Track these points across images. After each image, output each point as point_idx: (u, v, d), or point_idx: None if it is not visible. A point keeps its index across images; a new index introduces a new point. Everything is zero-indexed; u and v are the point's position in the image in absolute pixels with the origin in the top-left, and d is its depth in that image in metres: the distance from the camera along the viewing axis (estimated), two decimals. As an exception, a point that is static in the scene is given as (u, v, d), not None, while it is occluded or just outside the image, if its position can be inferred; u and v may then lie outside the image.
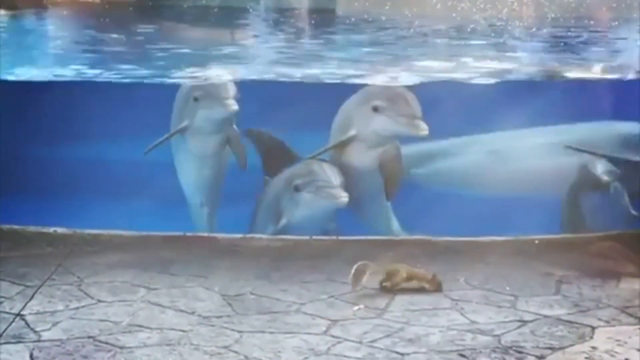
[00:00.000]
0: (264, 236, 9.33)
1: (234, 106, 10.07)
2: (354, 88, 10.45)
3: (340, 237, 9.18)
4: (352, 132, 10.04)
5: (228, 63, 11.55)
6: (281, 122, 10.54)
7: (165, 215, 10.21)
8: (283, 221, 9.87)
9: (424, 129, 9.55)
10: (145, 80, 11.36)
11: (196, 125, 10.44)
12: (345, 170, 9.93)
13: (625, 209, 10.06)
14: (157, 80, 11.46)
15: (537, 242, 8.85)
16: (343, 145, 10.13)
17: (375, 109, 9.83)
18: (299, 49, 12.75)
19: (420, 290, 7.32)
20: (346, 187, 9.65)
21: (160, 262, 8.11)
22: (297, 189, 9.80)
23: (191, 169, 10.87)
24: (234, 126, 10.48)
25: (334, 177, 9.67)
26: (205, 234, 9.42)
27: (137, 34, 12.92)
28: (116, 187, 10.88)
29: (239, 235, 9.08)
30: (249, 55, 12.69)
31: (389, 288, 7.32)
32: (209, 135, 10.49)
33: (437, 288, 7.36)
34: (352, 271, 7.26)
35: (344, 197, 9.51)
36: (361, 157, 10.10)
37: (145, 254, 8.41)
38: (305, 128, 10.53)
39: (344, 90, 10.52)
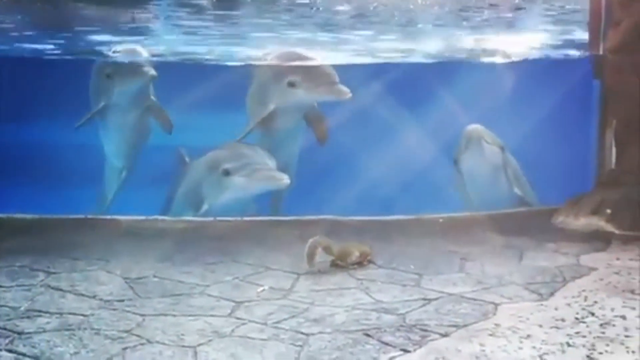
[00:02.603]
0: (167, 218, 9.21)
1: (151, 71, 10.09)
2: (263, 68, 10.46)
3: (245, 218, 9.11)
4: (270, 107, 10.05)
5: (131, 41, 11.39)
6: (188, 103, 10.45)
7: (66, 198, 10.02)
8: (205, 207, 9.70)
9: (346, 92, 9.65)
10: (45, 58, 11.17)
11: (113, 102, 10.41)
12: (272, 137, 10.02)
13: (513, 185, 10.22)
14: (56, 57, 11.26)
15: (441, 220, 8.91)
16: (265, 119, 10.14)
17: (292, 85, 9.85)
18: (202, 29, 12.61)
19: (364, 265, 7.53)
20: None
21: (61, 246, 7.95)
22: (226, 172, 9.63)
23: (113, 139, 10.89)
24: (152, 96, 10.45)
25: (268, 159, 9.59)
26: (108, 217, 9.24)
27: (34, 12, 12.65)
28: (15, 170, 10.64)
29: (142, 217, 8.95)
30: (151, 35, 12.52)
31: (343, 266, 7.44)
32: (127, 108, 10.49)
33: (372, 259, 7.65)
34: (306, 249, 7.34)
35: (285, 179, 9.40)
36: (285, 122, 10.14)
37: (45, 238, 8.24)
38: (214, 109, 10.46)
39: (250, 71, 10.52)
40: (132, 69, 10.23)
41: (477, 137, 9.84)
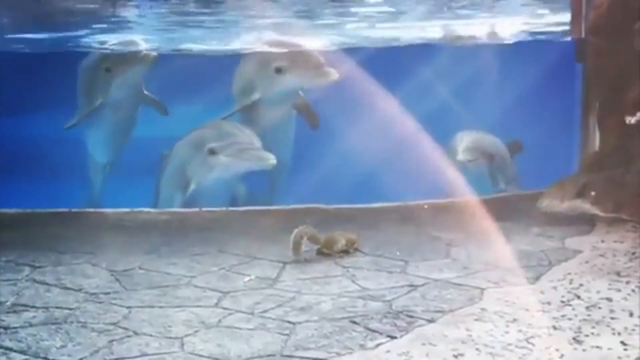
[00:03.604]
0: (152, 210, 9.19)
1: (152, 54, 10.04)
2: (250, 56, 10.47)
3: (230, 208, 9.10)
4: (255, 96, 10.03)
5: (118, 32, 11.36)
6: (177, 93, 10.45)
7: (50, 192, 9.98)
8: (192, 187, 9.67)
9: (333, 74, 9.63)
10: (27, 52, 11.14)
11: (110, 97, 10.38)
12: (263, 127, 10.01)
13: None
14: (39, 51, 11.22)
15: (426, 206, 8.91)
16: (251, 107, 10.12)
17: (279, 70, 9.85)
18: (181, 19, 12.57)
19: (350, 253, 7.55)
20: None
21: (46, 240, 7.92)
22: (212, 152, 9.60)
23: (103, 134, 10.89)
24: (144, 90, 10.45)
25: (254, 139, 9.56)
26: (92, 210, 9.21)
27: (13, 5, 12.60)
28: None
29: (126, 210, 8.92)
30: (134, 25, 12.48)
31: (329, 254, 7.46)
32: (122, 102, 10.49)
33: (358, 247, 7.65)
34: (292, 238, 7.34)
35: (272, 159, 9.38)
36: (275, 111, 10.15)
37: (30, 232, 8.21)
38: (200, 99, 10.46)
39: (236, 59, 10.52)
40: (133, 58, 10.17)
41: (463, 155, 9.97)
